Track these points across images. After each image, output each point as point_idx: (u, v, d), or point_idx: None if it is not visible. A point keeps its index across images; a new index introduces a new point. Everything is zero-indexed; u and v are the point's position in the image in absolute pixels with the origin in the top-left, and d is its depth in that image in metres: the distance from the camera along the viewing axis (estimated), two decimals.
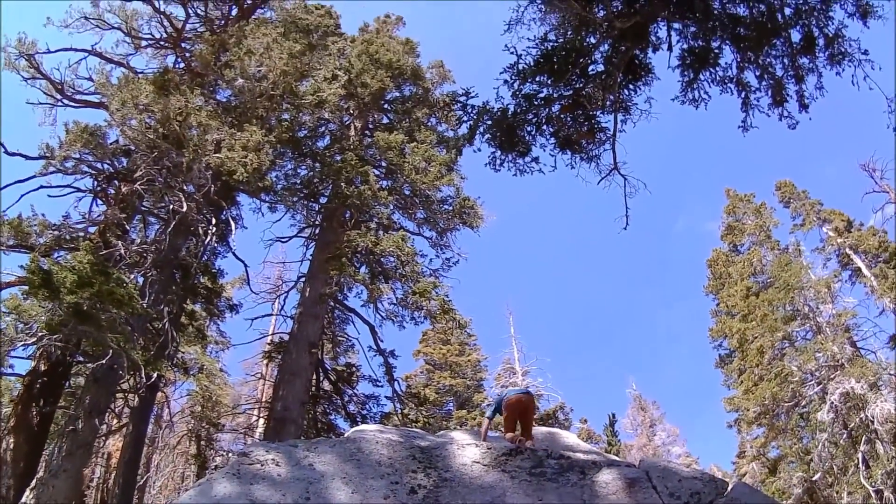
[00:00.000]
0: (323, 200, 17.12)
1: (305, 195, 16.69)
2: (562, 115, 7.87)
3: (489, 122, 7.66)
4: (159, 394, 15.54)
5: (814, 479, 19.49)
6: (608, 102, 7.79)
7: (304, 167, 16.76)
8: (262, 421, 18.82)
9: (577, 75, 7.59)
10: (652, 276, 65.02)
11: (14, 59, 13.60)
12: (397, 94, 19.07)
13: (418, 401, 19.06)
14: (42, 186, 13.03)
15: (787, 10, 7.15)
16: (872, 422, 17.60)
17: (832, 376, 19.04)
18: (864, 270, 21.43)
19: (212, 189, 13.26)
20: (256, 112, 13.83)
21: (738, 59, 7.52)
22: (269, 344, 19.83)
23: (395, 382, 17.24)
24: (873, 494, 17.54)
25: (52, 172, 12.91)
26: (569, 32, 7.56)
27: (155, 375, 12.10)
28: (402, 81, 18.61)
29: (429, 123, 18.56)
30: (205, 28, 16.50)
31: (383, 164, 16.71)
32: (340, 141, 17.36)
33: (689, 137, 59.67)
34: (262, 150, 12.77)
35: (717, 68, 7.58)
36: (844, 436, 18.88)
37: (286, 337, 17.06)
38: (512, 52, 7.28)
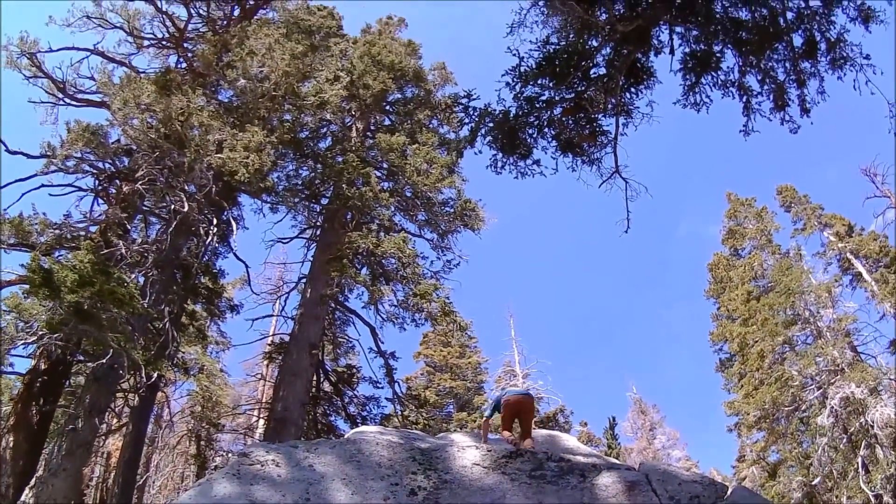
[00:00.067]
0: (324, 202, 17.13)
1: (307, 196, 16.70)
2: (563, 118, 7.86)
3: (491, 125, 7.64)
4: (159, 394, 15.55)
5: (813, 483, 19.45)
6: (610, 105, 7.78)
7: (305, 168, 16.75)
8: (262, 421, 18.84)
9: (579, 78, 7.58)
10: (653, 279, 65.06)
11: (16, 57, 13.62)
12: (399, 96, 19.10)
13: (419, 403, 19.05)
14: (43, 185, 13.07)
15: (790, 15, 7.15)
16: (872, 426, 17.59)
17: (832, 381, 19.02)
18: (865, 275, 21.41)
19: (213, 189, 13.27)
20: (258, 113, 13.84)
21: (740, 63, 7.51)
22: (269, 345, 19.81)
23: (396, 384, 17.27)
24: (873, 499, 17.50)
25: (53, 171, 12.94)
26: (571, 35, 7.57)
27: (155, 375, 12.13)
28: (404, 83, 18.64)
29: (430, 125, 18.57)
30: (207, 28, 16.52)
31: (385, 165, 16.73)
32: (342, 142, 17.39)
33: (691, 141, 59.86)
34: (264, 151, 12.77)
35: (719, 72, 7.57)
36: (844, 440, 18.84)
37: (287, 338, 17.05)
38: (514, 55, 7.27)
